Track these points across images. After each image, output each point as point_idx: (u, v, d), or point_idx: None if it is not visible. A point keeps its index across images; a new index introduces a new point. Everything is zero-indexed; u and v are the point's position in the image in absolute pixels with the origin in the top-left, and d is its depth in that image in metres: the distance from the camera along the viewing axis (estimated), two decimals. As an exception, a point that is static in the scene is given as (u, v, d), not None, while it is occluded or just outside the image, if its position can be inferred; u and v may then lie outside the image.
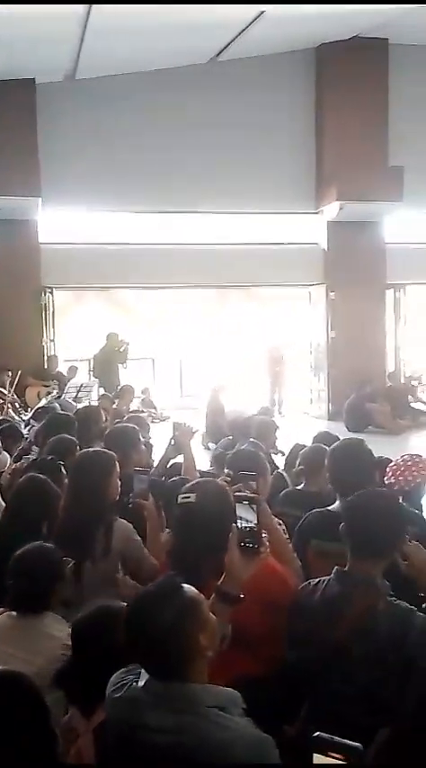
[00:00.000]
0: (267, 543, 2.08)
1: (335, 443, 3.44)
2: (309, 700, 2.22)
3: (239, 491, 2.19)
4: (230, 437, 6.12)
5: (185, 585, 1.79)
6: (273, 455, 5.55)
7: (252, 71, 12.77)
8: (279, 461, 5.54)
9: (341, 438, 3.78)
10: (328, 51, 12.87)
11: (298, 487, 4.02)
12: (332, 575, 2.29)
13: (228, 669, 2.04)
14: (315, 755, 1.23)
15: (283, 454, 5.78)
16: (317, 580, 2.35)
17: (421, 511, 3.83)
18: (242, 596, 2.02)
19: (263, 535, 2.10)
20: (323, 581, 2.31)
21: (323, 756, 1.22)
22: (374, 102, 12.98)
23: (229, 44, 11.77)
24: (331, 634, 2.13)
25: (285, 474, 4.62)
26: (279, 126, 13.09)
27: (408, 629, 2.09)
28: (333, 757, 1.21)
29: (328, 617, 2.17)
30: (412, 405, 13.10)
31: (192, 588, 1.80)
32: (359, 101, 12.78)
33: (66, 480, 3.43)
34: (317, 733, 1.24)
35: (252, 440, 5.06)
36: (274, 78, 12.96)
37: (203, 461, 7.11)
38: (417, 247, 13.93)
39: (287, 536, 2.95)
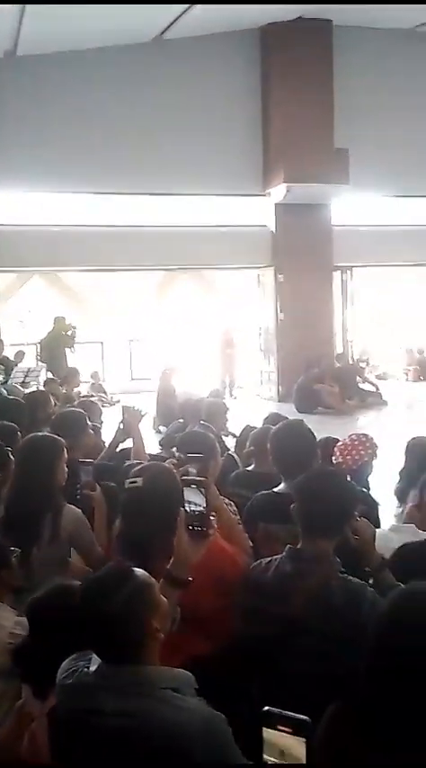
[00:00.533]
0: (215, 525, 2.09)
1: (277, 426, 3.46)
2: (261, 676, 2.24)
3: (186, 474, 2.19)
4: (181, 420, 6.13)
5: (136, 569, 1.79)
6: (224, 437, 5.57)
7: (198, 51, 12.66)
8: (231, 443, 5.58)
9: (288, 419, 3.81)
10: (272, 32, 12.84)
11: (248, 468, 4.04)
12: (284, 553, 2.31)
13: (180, 650, 2.05)
14: (264, 730, 1.24)
15: (234, 436, 5.82)
16: (269, 559, 2.37)
17: (368, 489, 3.91)
18: (190, 579, 2.03)
19: (212, 517, 2.10)
20: (275, 559, 2.33)
21: (272, 730, 1.23)
22: (319, 85, 13.01)
23: (173, 23, 11.62)
24: (284, 610, 2.15)
25: (235, 455, 4.64)
26: (225, 107, 13.04)
27: (361, 603, 2.13)
28: (282, 731, 1.22)
29: (281, 593, 2.20)
30: (361, 385, 13.31)
31: (143, 572, 1.80)
32: (305, 83, 12.79)
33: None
34: (266, 708, 1.25)
35: (202, 422, 5.07)
36: (220, 59, 12.88)
37: (154, 444, 7.12)
38: (364, 230, 14.10)
39: (238, 517, 2.97)
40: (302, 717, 1.22)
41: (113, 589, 1.73)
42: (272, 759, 1.23)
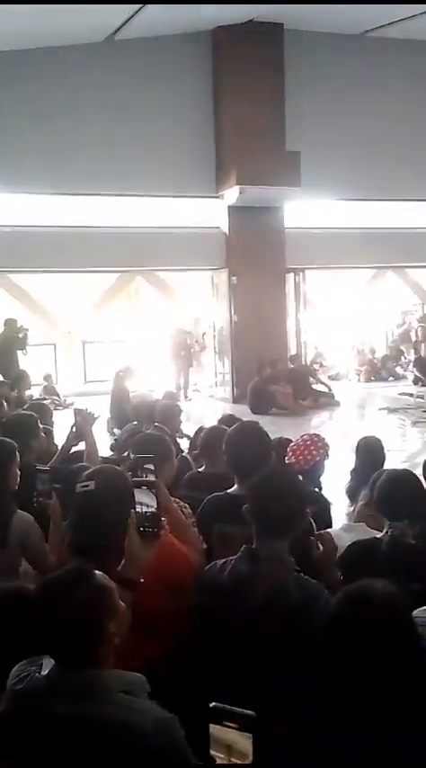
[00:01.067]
0: (166, 526, 2.09)
1: (232, 427, 3.48)
2: (215, 676, 2.24)
3: (137, 476, 2.19)
4: (135, 422, 6.11)
5: (97, 572, 1.78)
6: (178, 439, 5.58)
7: (150, 52, 12.64)
8: (185, 445, 5.59)
9: (243, 420, 3.83)
10: (224, 35, 12.90)
11: (200, 470, 4.05)
12: (239, 553, 2.32)
13: (133, 653, 2.04)
14: (211, 726, 1.24)
15: (188, 438, 5.83)
16: (224, 560, 2.37)
17: (321, 488, 3.96)
18: (141, 581, 2.02)
19: (162, 519, 2.11)
20: (231, 560, 2.34)
21: (219, 726, 1.24)
22: (270, 88, 13.13)
23: (124, 24, 11.58)
24: (241, 610, 2.16)
25: (189, 457, 4.64)
26: (177, 109, 13.04)
27: (316, 602, 2.15)
28: (229, 726, 1.22)
29: (238, 593, 2.20)
30: (314, 386, 13.46)
31: (104, 575, 1.79)
32: (256, 86, 12.89)
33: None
34: (213, 703, 1.25)
35: (156, 424, 5.06)
36: (172, 60, 12.88)
37: (108, 447, 7.08)
38: (316, 232, 14.27)
39: (192, 519, 2.97)
40: (248, 712, 1.23)
41: (73, 590, 1.71)
42: (219, 755, 1.24)
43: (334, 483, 4.51)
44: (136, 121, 12.61)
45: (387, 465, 3.98)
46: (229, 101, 13.08)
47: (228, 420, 4.68)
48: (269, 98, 13.09)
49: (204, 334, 15.44)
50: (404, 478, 2.74)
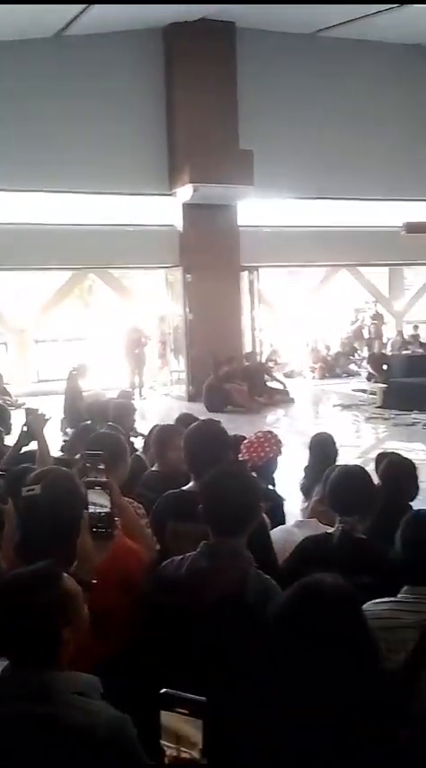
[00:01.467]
0: (119, 526, 2.08)
1: (190, 426, 3.48)
2: (171, 672, 2.24)
3: (90, 477, 2.18)
4: (88, 421, 6.05)
5: (65, 575, 1.75)
6: (133, 438, 5.54)
7: (101, 48, 12.55)
8: (139, 444, 5.55)
9: (201, 419, 3.83)
10: (175, 32, 12.88)
11: (153, 469, 4.04)
12: (198, 549, 2.32)
13: (86, 653, 2.02)
14: (162, 713, 1.24)
15: (143, 436, 5.80)
16: (181, 557, 2.37)
17: (274, 485, 3.99)
18: (94, 582, 2.01)
19: (116, 519, 2.10)
20: (188, 557, 2.34)
21: (170, 713, 1.24)
22: (223, 86, 13.16)
23: (74, 19, 11.45)
24: (199, 606, 2.16)
25: (143, 456, 4.62)
26: (129, 105, 12.98)
27: (272, 597, 2.16)
28: (180, 713, 1.23)
29: (196, 590, 2.20)
30: (269, 383, 13.56)
31: (69, 577, 1.77)
32: (208, 84, 12.91)
33: None
34: (164, 690, 1.25)
35: (110, 423, 5.02)
36: (123, 57, 12.81)
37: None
38: (269, 231, 14.36)
39: (146, 520, 2.95)
40: (199, 698, 1.23)
41: (37, 592, 1.69)
42: (169, 744, 1.24)
43: (289, 479, 4.55)
44: (88, 118, 12.50)
45: (342, 461, 4.03)
46: (181, 99, 13.06)
47: (186, 419, 4.68)
48: (221, 96, 13.11)
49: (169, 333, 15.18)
50: (355, 474, 2.78)
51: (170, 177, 13.32)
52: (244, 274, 14.29)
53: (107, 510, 2.11)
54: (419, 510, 2.45)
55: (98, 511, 2.11)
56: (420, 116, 14.96)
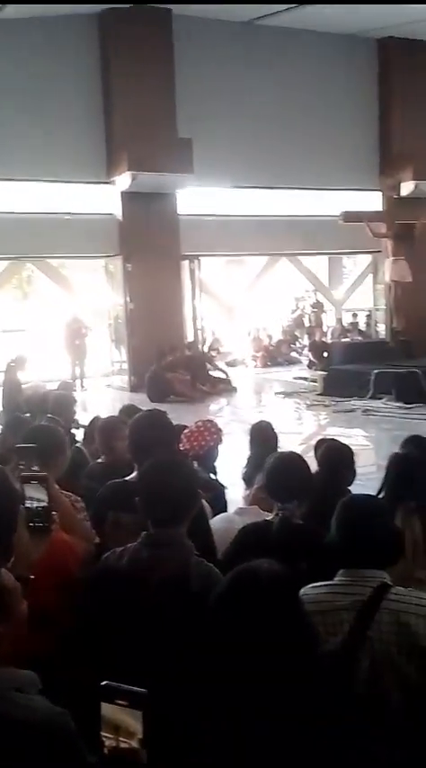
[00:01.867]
0: (56, 520, 2.06)
1: (135, 416, 3.46)
2: (111, 664, 2.23)
3: (25, 472, 2.15)
4: (27, 414, 5.95)
5: (3, 570, 1.72)
6: (74, 430, 5.49)
7: (37, 33, 12.26)
8: (80, 435, 5.50)
9: (144, 409, 3.81)
10: (111, 18, 12.70)
11: (98, 461, 4.01)
12: (139, 539, 2.32)
13: (24, 649, 2.00)
14: (102, 705, 1.24)
15: (84, 428, 5.74)
16: (122, 548, 2.36)
17: (216, 473, 4.01)
18: (32, 577, 1.98)
19: (53, 513, 2.07)
20: (129, 547, 2.33)
21: (110, 705, 1.24)
22: (160, 73, 13.05)
23: (5, 2, 11.17)
24: (141, 596, 2.16)
25: (84, 448, 4.58)
26: (65, 91, 12.74)
27: (214, 582, 2.17)
28: (120, 704, 1.23)
29: (138, 580, 2.19)
30: (211, 372, 13.59)
31: (6, 572, 1.74)
32: (146, 70, 12.79)
33: None
34: (104, 682, 1.25)
35: (49, 415, 4.95)
36: (60, 41, 12.57)
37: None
38: (210, 219, 14.35)
39: (85, 513, 2.93)
40: (139, 689, 1.24)
41: None
42: (108, 735, 1.24)
43: (232, 468, 4.58)
44: (23, 104, 12.22)
45: (285, 448, 4.08)
46: (118, 85, 12.90)
47: (129, 410, 4.66)
48: (159, 84, 13.01)
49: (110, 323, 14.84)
50: (291, 461, 2.81)
51: (108, 165, 13.16)
52: (186, 263, 14.26)
53: (44, 504, 2.08)
54: (352, 494, 2.51)
55: (35, 505, 2.08)
56: (353, 106, 15.15)
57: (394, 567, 2.24)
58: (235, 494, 4.27)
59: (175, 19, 13.07)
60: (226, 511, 3.72)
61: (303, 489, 2.72)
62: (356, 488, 3.31)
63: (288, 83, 14.33)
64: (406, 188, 14.53)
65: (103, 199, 13.46)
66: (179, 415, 7.14)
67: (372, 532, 2.12)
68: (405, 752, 1.93)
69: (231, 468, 4.59)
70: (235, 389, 13.22)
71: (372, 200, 14.25)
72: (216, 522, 3.38)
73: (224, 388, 13.17)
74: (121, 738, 1.25)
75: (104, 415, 4.84)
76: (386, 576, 2.11)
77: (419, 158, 14.67)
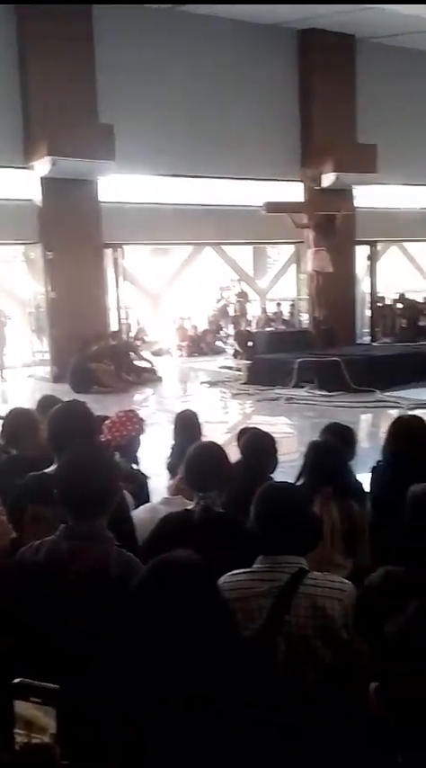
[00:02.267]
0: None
1: (54, 408, 3.39)
2: (28, 658, 2.19)
3: None
4: None
5: None
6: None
7: None
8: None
9: (66, 400, 3.74)
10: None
11: (14, 452, 3.91)
12: (58, 532, 2.28)
13: None
14: (16, 703, 1.23)
15: (2, 419, 5.59)
16: (40, 541, 2.32)
17: (138, 464, 3.99)
18: None
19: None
20: (47, 541, 2.29)
21: (24, 702, 1.23)
22: (80, 58, 12.79)
23: None
24: (59, 590, 2.12)
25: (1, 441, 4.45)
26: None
27: (134, 572, 2.16)
28: (34, 702, 1.22)
29: (56, 573, 2.16)
30: (136, 362, 13.50)
31: None
32: (65, 55, 12.49)
33: None
34: (18, 679, 1.24)
35: (-34, 408, 4.81)
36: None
37: None
38: (132, 207, 14.19)
39: (1, 508, 2.86)
40: (51, 686, 1.23)
41: None
42: (21, 731, 1.23)
43: (158, 458, 4.57)
44: None
45: (210, 437, 4.09)
46: (36, 68, 12.57)
47: (47, 401, 4.56)
48: (79, 69, 12.75)
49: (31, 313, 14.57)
50: (209, 450, 2.82)
51: (25, 149, 12.81)
52: (108, 252, 14.07)
53: None
54: (270, 482, 2.54)
55: None
56: (275, 96, 15.25)
57: (312, 552, 2.28)
58: (161, 483, 4.27)
59: (95, 6, 12.81)
60: (148, 501, 3.71)
61: (222, 479, 2.74)
62: (279, 475, 3.35)
63: (211, 72, 14.28)
64: (327, 179, 14.75)
65: (22, 184, 13.09)
66: (103, 405, 7.07)
67: (290, 519, 2.15)
68: (320, 732, 1.97)
69: (156, 457, 4.58)
70: (160, 379, 13.18)
71: (294, 191, 14.42)
72: (140, 512, 3.36)
73: (149, 377, 13.11)
74: (33, 734, 1.24)
75: (26, 406, 4.73)
76: (304, 561, 2.15)
77: (339, 150, 14.91)
